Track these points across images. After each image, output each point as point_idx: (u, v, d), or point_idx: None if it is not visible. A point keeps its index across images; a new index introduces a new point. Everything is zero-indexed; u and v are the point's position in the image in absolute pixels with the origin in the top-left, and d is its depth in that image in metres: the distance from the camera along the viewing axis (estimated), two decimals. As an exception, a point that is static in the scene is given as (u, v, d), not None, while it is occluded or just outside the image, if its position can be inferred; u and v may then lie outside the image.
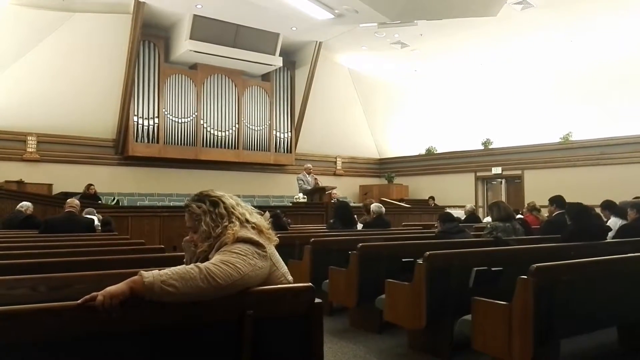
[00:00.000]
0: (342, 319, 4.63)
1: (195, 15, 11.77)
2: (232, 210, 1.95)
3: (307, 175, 10.78)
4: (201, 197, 1.99)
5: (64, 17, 11.09)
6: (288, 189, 13.62)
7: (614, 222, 6.08)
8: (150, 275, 1.58)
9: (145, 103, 12.39)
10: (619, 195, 7.33)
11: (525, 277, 2.76)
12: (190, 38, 12.02)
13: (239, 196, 2.11)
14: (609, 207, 6.51)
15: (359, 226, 7.17)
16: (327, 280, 4.54)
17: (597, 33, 11.06)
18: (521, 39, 11.90)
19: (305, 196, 10.50)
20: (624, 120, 11.57)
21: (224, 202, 1.97)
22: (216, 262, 1.71)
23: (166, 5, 11.43)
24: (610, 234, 5.81)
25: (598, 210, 6.74)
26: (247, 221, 1.95)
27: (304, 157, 14.50)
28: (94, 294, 1.51)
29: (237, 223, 1.91)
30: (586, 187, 11.04)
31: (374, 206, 7.22)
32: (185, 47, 12.15)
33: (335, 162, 16.27)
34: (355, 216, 7.49)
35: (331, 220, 7.12)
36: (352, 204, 10.59)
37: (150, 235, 7.89)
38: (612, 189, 9.93)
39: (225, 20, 12.09)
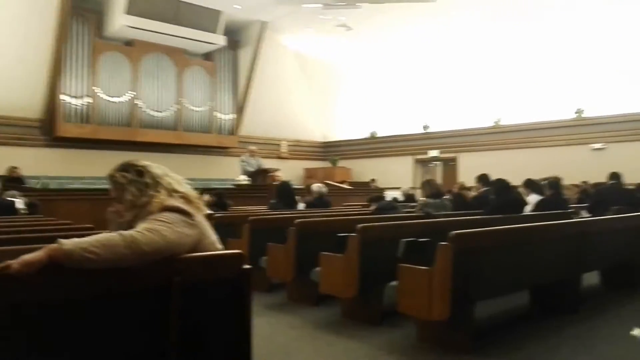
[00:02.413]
0: (280, 294, 4.73)
1: (131, -11, 11.31)
2: (159, 179, 1.94)
3: (251, 158, 10.74)
4: (126, 166, 1.98)
5: (-15, -11, 10.35)
6: (231, 171, 13.45)
7: (534, 198, 6.58)
8: (69, 242, 1.55)
9: (76, 81, 11.83)
10: (542, 175, 7.85)
11: (445, 243, 2.95)
12: (127, 13, 11.55)
13: (180, 177, 2.11)
14: (530, 184, 7.04)
15: (301, 206, 7.28)
16: (265, 257, 4.61)
17: (526, 21, 11.61)
18: (458, 26, 12.31)
19: (249, 178, 10.48)
20: (550, 106, 12.30)
21: (149, 172, 1.96)
22: (140, 229, 1.70)
23: (99, -22, 10.93)
24: (529, 208, 6.29)
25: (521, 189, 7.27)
26: (175, 191, 1.94)
27: (248, 140, 14.39)
28: (9, 262, 1.46)
29: (164, 192, 1.90)
30: (515, 168, 11.60)
31: (315, 186, 7.36)
32: (120, 22, 11.68)
33: (280, 145, 16.28)
34: (298, 197, 7.59)
35: (272, 201, 7.17)
36: (295, 186, 10.67)
37: (79, 219, 7.48)
38: (539, 169, 10.52)
39: (163, -6, 11.71)
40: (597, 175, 8.98)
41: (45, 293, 1.53)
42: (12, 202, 5.70)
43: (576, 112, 12.16)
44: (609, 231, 4.52)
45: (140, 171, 1.95)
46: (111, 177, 1.97)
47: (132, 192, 1.90)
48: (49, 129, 11.82)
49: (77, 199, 8.27)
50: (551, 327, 3.62)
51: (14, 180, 9.19)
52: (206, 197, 6.89)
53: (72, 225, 3.81)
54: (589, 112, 11.99)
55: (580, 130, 12.07)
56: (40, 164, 11.53)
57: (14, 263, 1.46)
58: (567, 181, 9.34)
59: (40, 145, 11.86)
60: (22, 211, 5.86)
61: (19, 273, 1.45)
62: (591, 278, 4.84)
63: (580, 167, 11.20)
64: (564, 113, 12.23)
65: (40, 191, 8.78)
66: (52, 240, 1.59)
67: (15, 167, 9.74)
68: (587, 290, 4.60)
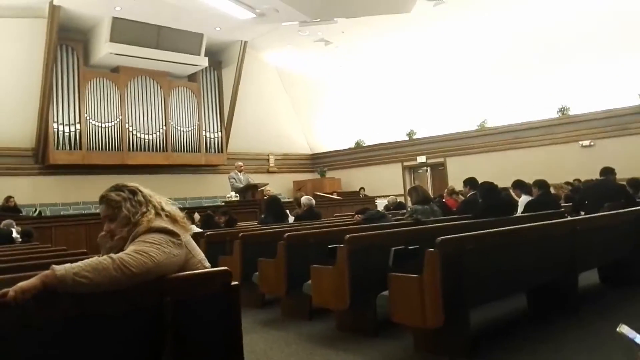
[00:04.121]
0: (274, 310, 4.75)
1: (114, 18, 11.47)
2: (150, 198, 2.03)
3: (239, 174, 10.76)
4: (119, 187, 2.06)
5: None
6: (222, 189, 13.50)
7: (524, 199, 6.64)
8: (62, 268, 1.60)
9: (66, 109, 11.92)
10: (532, 176, 7.84)
11: (432, 249, 3.00)
12: (111, 40, 11.70)
13: (171, 199, 2.17)
14: (520, 186, 7.10)
15: (291, 219, 7.32)
16: (257, 273, 4.63)
17: (504, 24, 11.82)
18: (436, 33, 12.52)
19: (238, 194, 10.49)
20: (534, 105, 12.44)
21: (141, 191, 2.05)
22: (129, 252, 1.76)
23: (83, 8, 11.08)
24: (520, 210, 6.36)
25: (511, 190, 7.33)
26: (163, 209, 2.02)
27: (236, 156, 14.41)
28: (5, 290, 1.52)
29: (153, 211, 1.98)
30: (503, 170, 11.80)
31: (304, 199, 7.41)
32: (105, 50, 11.80)
33: (268, 160, 16.36)
34: (288, 211, 7.63)
35: (262, 216, 7.21)
36: (285, 200, 10.72)
37: (76, 244, 7.57)
38: (527, 170, 10.70)
39: (145, 21, 11.85)
40: (590, 172, 8.91)
41: (40, 317, 1.58)
42: (10, 232, 5.74)
43: (560, 111, 12.31)
44: (601, 228, 4.44)
45: (134, 190, 2.05)
46: (105, 197, 2.04)
47: (128, 208, 1.98)
48: (41, 157, 11.87)
49: (72, 224, 8.37)
50: (550, 329, 3.57)
51: (10, 210, 9.22)
52: (197, 216, 6.94)
53: (66, 251, 3.83)
54: (574, 110, 12.10)
55: (567, 129, 12.17)
56: (35, 192, 11.60)
57: (10, 290, 1.52)
58: (559, 180, 9.48)
59: (34, 174, 11.90)
60: (18, 240, 5.88)
61: (15, 300, 1.51)
62: (590, 277, 4.77)
63: (571, 165, 11.31)
64: (549, 112, 12.37)
65: (36, 219, 8.87)
66: (47, 267, 1.64)
67: (11, 197, 9.83)
68: (586, 290, 4.52)
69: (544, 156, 12.16)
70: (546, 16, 11.29)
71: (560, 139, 12.23)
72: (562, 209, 6.19)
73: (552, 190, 7.13)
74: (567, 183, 9.58)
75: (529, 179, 7.30)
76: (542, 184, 6.51)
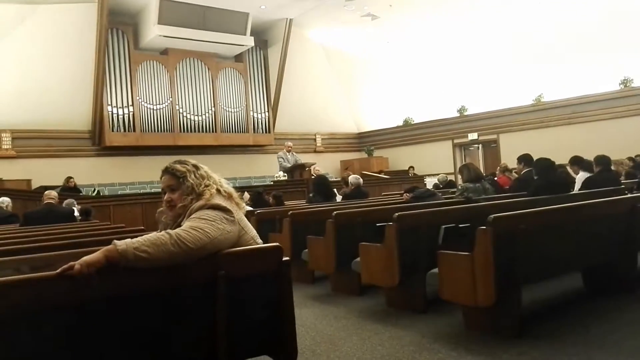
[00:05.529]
0: (324, 286, 4.81)
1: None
2: (210, 174, 2.13)
3: (287, 153, 10.90)
4: (182, 161, 2.15)
5: (28, 10, 10.91)
6: (269, 168, 13.71)
7: (582, 176, 6.36)
8: (123, 243, 1.68)
9: (119, 92, 12.33)
10: (592, 152, 7.49)
11: (484, 227, 2.93)
12: (159, 23, 11.93)
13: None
14: (578, 162, 6.80)
15: (339, 198, 7.34)
16: (307, 250, 4.69)
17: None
18: (489, 4, 11.98)
19: (286, 174, 10.63)
20: (594, 78, 11.79)
21: (202, 167, 2.14)
22: (186, 228, 1.82)
23: (131, -10, 11.29)
24: (577, 187, 6.09)
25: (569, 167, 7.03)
26: (222, 186, 2.12)
27: (284, 136, 14.57)
28: (72, 263, 1.60)
29: (215, 186, 2.07)
30: (560, 146, 11.28)
31: (352, 178, 7.38)
32: (154, 33, 12.06)
33: (315, 139, 16.38)
34: (335, 189, 7.65)
35: (310, 195, 7.26)
36: (332, 179, 10.75)
37: (133, 222, 7.96)
38: (585, 146, 10.19)
39: (192, 2, 11.98)
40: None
41: (102, 291, 1.66)
42: (72, 210, 6.04)
43: (622, 83, 11.62)
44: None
45: (196, 165, 2.14)
46: (170, 168, 2.11)
47: (193, 179, 2.06)
48: (98, 139, 12.40)
49: (129, 203, 8.75)
50: (606, 309, 3.46)
51: (70, 190, 9.75)
52: (246, 195, 7.08)
53: (125, 228, 4.01)
54: (637, 82, 11.39)
55: (629, 102, 11.49)
56: (92, 172, 12.17)
57: (76, 264, 1.60)
58: (620, 155, 9.00)
59: (91, 155, 12.47)
60: (79, 218, 6.21)
61: (80, 273, 1.59)
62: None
63: (633, 140, 10.66)
64: (609, 85, 11.69)
65: (95, 198, 9.31)
66: (108, 242, 1.72)
67: (71, 178, 10.37)
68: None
69: (604, 131, 11.54)
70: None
71: (622, 112, 11.55)
72: (622, 186, 5.88)
73: (612, 167, 6.77)
74: (629, 159, 9.06)
75: (588, 156, 6.98)
76: (602, 160, 6.19)
